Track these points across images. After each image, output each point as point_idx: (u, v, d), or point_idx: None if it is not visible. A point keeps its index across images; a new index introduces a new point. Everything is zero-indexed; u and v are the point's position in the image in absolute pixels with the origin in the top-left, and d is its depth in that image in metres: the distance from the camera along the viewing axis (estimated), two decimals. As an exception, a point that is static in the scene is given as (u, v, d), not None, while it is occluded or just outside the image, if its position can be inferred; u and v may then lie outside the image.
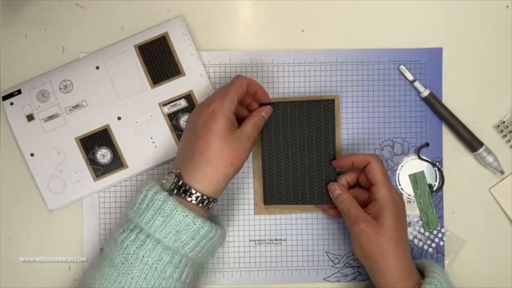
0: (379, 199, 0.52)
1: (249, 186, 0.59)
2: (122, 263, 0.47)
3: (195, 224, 0.47)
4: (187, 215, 0.47)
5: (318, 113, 0.57)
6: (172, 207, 0.47)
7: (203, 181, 0.48)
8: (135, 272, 0.46)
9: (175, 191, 0.48)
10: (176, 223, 0.47)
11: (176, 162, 0.51)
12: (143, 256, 0.47)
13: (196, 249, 0.48)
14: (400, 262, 0.50)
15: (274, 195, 0.58)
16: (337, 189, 0.55)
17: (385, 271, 0.50)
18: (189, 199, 0.48)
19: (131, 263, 0.46)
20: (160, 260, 0.47)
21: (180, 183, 0.48)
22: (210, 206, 0.49)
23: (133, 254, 0.47)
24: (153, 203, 0.47)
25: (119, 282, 0.46)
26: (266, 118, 0.55)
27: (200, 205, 0.49)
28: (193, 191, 0.48)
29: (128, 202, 0.58)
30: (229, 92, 0.50)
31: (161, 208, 0.47)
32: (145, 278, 0.46)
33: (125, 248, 0.47)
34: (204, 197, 0.48)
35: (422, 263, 0.54)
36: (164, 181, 0.49)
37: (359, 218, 0.51)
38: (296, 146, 0.58)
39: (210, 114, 0.49)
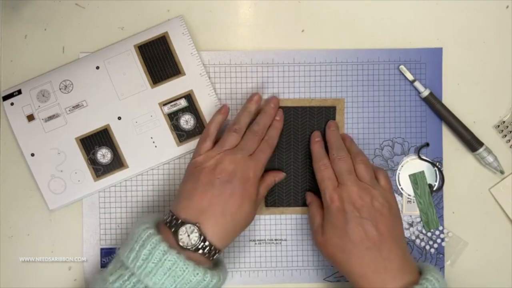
0: None
1: (249, 186, 0.59)
2: None
3: (204, 280, 0.46)
4: (197, 273, 0.46)
5: (320, 119, 0.58)
6: (183, 268, 0.46)
7: (225, 239, 0.49)
8: None
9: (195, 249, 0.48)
10: (186, 282, 0.46)
11: (193, 210, 0.49)
12: None
13: None
14: (354, 269, 0.50)
15: (275, 197, 0.59)
16: (307, 199, 0.58)
17: (348, 278, 0.51)
18: (201, 253, 0.48)
19: None
20: None
21: (206, 243, 0.48)
22: (214, 257, 0.49)
23: None
24: (163, 263, 0.46)
25: None
26: (277, 182, 0.57)
27: (207, 255, 0.48)
28: (212, 248, 0.48)
29: (127, 207, 0.58)
30: (264, 157, 0.53)
31: (172, 269, 0.46)
32: None
33: None
34: (217, 250, 0.49)
35: (421, 266, 0.52)
36: (181, 237, 0.48)
37: (313, 230, 0.54)
38: (298, 150, 0.59)
39: (249, 178, 0.51)
